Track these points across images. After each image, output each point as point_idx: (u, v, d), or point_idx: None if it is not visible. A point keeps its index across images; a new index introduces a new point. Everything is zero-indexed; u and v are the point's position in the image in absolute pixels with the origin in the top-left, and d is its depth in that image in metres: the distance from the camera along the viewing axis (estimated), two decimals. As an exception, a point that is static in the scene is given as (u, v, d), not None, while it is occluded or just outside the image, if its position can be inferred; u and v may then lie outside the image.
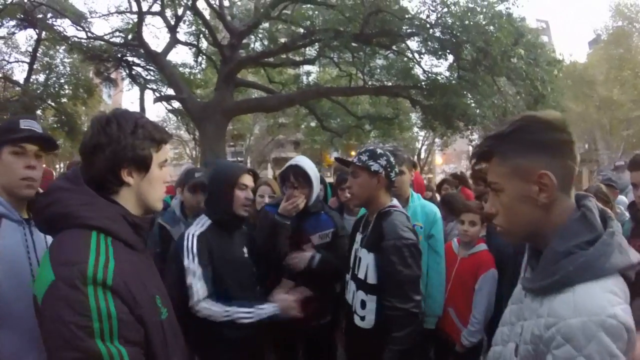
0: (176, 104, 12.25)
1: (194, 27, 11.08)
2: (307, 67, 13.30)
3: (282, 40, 10.19)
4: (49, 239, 1.25)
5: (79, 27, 10.88)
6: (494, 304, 2.22)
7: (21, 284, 1.15)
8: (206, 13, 10.40)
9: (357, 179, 1.79)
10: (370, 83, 10.23)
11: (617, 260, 0.79)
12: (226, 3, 10.89)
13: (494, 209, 0.93)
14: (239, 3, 12.39)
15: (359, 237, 1.88)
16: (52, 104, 13.18)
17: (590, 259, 0.79)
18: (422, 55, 9.10)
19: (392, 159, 1.81)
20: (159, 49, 10.18)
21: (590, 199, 0.89)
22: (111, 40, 11.23)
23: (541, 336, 0.79)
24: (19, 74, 13.38)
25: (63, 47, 12.16)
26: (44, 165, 1.38)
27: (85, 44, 11.12)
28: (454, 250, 2.41)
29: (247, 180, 1.87)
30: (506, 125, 0.90)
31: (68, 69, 13.35)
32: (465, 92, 8.73)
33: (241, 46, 10.32)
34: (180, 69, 12.15)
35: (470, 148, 15.47)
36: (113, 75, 13.33)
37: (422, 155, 25.94)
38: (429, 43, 8.43)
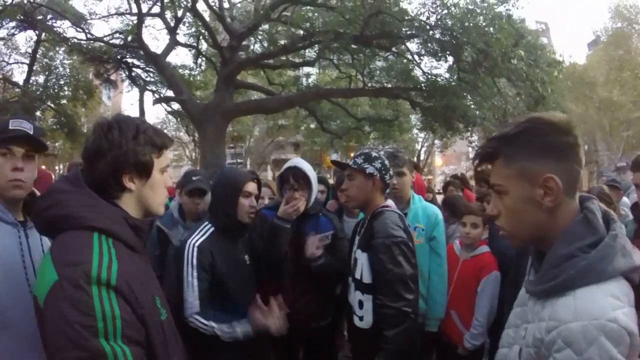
0: (176, 106, 12.24)
1: (193, 29, 11.09)
2: (306, 69, 13.31)
3: (282, 42, 10.19)
4: (46, 241, 1.25)
5: (78, 29, 10.90)
6: (496, 307, 2.20)
7: (15, 287, 1.14)
8: (206, 15, 10.42)
9: (353, 181, 1.82)
10: (370, 85, 10.26)
11: (619, 263, 0.78)
12: (226, 5, 10.91)
13: (497, 210, 0.92)
14: (238, 5, 12.43)
15: (357, 239, 1.89)
16: (52, 105, 13.23)
17: (591, 262, 0.78)
18: (422, 57, 9.15)
19: (386, 162, 1.84)
20: (159, 51, 10.22)
21: (593, 201, 0.88)
22: (111, 41, 11.24)
23: (543, 339, 0.79)
24: (19, 75, 13.44)
25: (63, 49, 12.21)
26: (43, 167, 1.36)
27: (85, 46, 11.15)
28: (456, 253, 2.39)
29: (252, 187, 1.86)
30: (511, 127, 0.87)
31: (68, 70, 13.40)
32: (465, 94, 8.75)
33: (241, 48, 10.33)
34: (180, 70, 12.16)
35: (470, 149, 15.50)
36: (113, 77, 13.39)
37: (422, 157, 25.94)
38: (429, 45, 8.44)
